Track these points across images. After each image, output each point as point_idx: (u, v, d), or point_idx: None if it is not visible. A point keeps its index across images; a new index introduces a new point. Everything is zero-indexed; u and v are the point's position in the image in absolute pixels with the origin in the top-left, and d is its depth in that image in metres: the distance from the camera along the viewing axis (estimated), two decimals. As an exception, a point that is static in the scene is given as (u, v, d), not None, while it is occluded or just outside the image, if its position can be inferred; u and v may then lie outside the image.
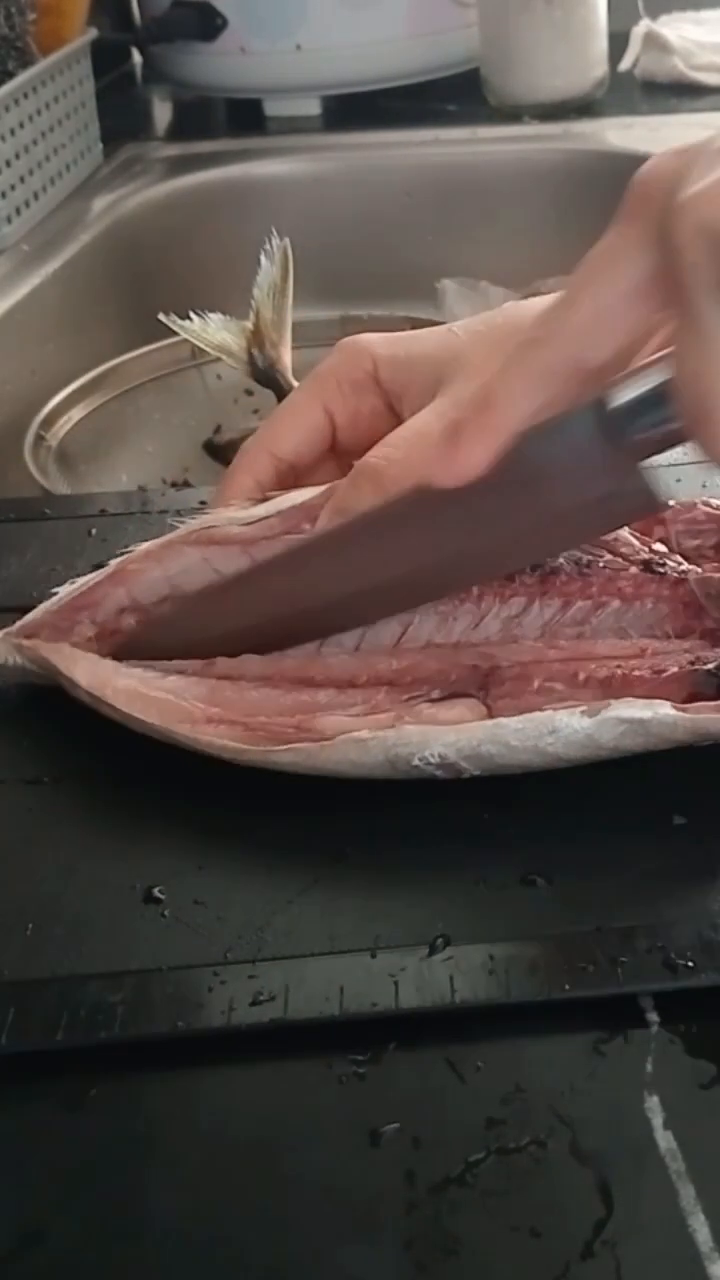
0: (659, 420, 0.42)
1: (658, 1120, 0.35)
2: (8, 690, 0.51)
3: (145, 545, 0.52)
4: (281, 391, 0.78)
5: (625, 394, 0.43)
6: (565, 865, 0.42)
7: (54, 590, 0.52)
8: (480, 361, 0.51)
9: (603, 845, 0.43)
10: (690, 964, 0.38)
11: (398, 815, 0.44)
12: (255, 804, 0.45)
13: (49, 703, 0.50)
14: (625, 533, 0.50)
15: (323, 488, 0.52)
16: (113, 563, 0.52)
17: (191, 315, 0.78)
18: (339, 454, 0.56)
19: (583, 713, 0.43)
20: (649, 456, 0.44)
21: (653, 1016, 0.38)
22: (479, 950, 0.39)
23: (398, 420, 0.54)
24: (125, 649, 0.50)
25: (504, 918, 0.40)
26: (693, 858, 0.42)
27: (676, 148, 0.41)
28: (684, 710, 0.43)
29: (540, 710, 0.43)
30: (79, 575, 0.53)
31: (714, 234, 0.38)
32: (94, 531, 0.61)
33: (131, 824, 0.46)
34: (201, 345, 0.78)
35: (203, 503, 0.60)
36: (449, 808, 0.44)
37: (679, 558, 0.50)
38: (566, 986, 0.38)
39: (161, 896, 0.42)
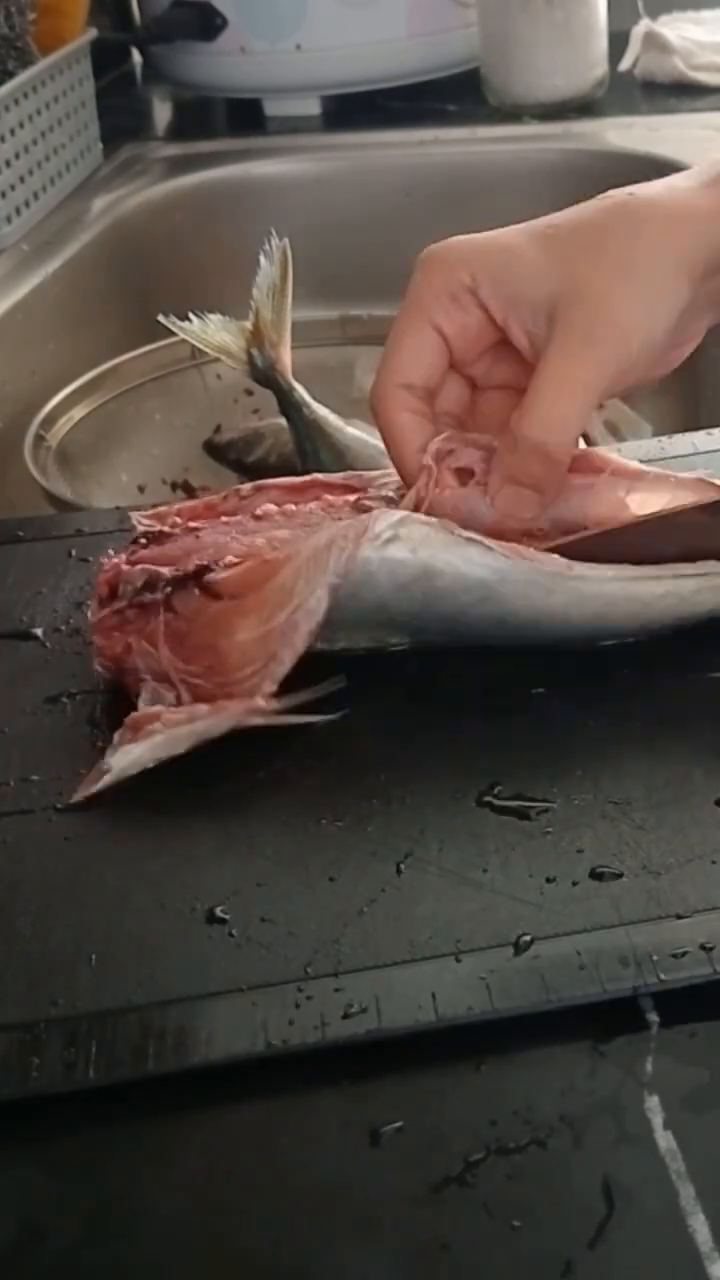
0: None
1: (658, 1120, 0.35)
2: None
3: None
4: (281, 391, 0.78)
5: None
6: (629, 856, 0.42)
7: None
8: (600, 283, 0.49)
9: (665, 837, 0.42)
10: None
11: (443, 825, 0.44)
12: (299, 820, 0.45)
13: (75, 725, 0.50)
14: None
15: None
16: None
17: (191, 316, 0.78)
18: (455, 368, 0.53)
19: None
20: None
21: (653, 1017, 0.38)
22: (565, 945, 0.39)
23: (502, 332, 0.52)
24: None
25: (583, 913, 0.40)
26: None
27: None
28: None
29: None
30: (65, 596, 0.53)
31: None
32: (74, 552, 0.60)
33: (180, 845, 0.44)
34: (201, 346, 0.78)
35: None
36: (490, 816, 0.44)
37: None
38: (660, 975, 0.38)
39: (225, 916, 0.41)
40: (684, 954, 0.38)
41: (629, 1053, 0.37)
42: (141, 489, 0.92)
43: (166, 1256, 0.33)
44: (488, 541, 0.48)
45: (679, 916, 0.39)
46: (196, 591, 0.49)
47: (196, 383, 0.94)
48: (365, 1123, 0.36)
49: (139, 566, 0.51)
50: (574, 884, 0.41)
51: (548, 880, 0.41)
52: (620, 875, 0.41)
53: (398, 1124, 0.36)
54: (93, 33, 1.18)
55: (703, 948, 0.38)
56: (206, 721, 0.47)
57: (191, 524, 0.54)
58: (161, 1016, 0.38)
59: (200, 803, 0.46)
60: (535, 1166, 0.34)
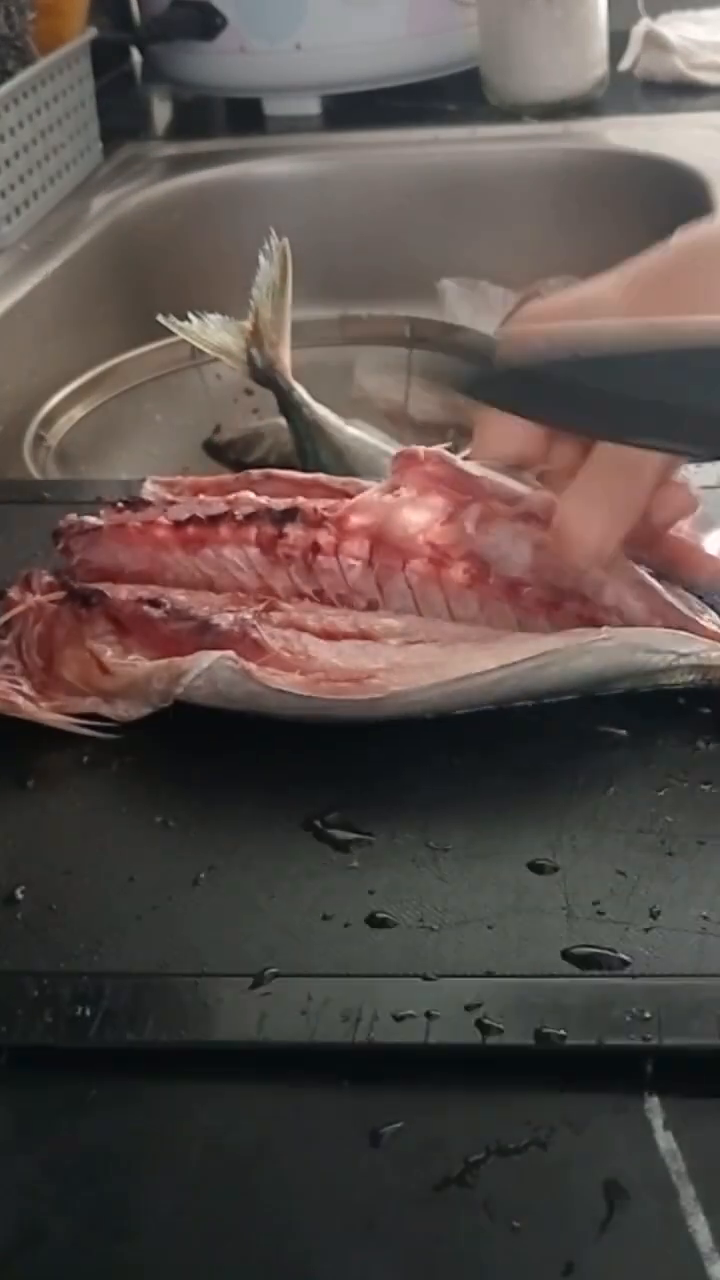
0: None
1: (658, 1120, 0.35)
2: None
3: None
4: (281, 391, 0.78)
5: None
6: (413, 907, 0.41)
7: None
8: None
9: (459, 891, 0.41)
10: (500, 1026, 0.37)
11: (260, 843, 0.44)
12: (139, 813, 0.45)
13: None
14: None
15: None
16: None
17: (190, 316, 0.78)
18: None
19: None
20: None
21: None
22: (302, 985, 0.38)
23: None
24: None
25: (336, 957, 0.39)
26: (549, 908, 0.40)
27: None
28: None
29: None
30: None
31: None
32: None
33: (24, 818, 0.46)
34: (200, 346, 0.79)
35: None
36: (309, 841, 0.44)
37: None
38: (372, 1035, 0.37)
39: (20, 898, 0.42)
40: (406, 1017, 0.37)
41: (630, 1053, 0.37)
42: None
43: (166, 1256, 0.33)
44: (297, 689, 0.46)
45: (425, 978, 0.38)
46: (81, 607, 0.50)
47: (196, 383, 0.94)
48: (365, 1123, 0.36)
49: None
50: (345, 925, 0.40)
51: (324, 917, 0.41)
52: (395, 925, 0.40)
53: (398, 1124, 0.36)
54: (92, 32, 1.18)
55: (427, 1014, 0.37)
56: None
57: (169, 496, 0.55)
58: None
59: (52, 780, 0.47)
60: (535, 1166, 0.34)
